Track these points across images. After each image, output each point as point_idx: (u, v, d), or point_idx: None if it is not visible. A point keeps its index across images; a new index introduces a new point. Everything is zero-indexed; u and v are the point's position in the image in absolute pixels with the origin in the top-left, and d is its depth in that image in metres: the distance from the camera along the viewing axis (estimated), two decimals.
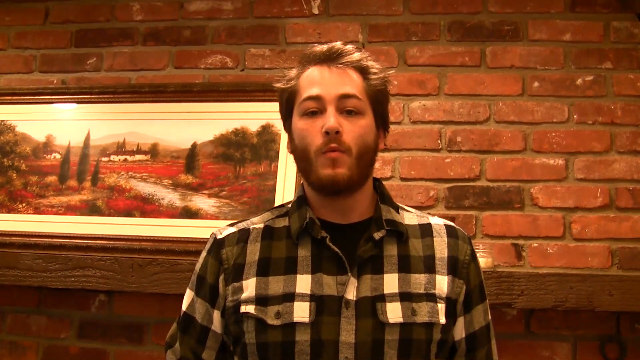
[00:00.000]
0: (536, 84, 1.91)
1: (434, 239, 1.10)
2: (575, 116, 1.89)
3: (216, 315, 1.10)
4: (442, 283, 1.06)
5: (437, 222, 1.14)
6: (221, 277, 1.09)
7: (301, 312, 1.00)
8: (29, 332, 1.94)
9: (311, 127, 1.04)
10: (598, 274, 1.69)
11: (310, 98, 1.05)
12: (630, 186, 1.83)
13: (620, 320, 1.74)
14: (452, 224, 1.15)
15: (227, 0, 2.09)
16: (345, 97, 1.04)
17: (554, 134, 1.88)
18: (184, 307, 1.15)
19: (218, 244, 1.12)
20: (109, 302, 1.93)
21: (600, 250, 1.80)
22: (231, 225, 1.16)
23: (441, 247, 1.09)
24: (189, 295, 1.15)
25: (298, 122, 1.07)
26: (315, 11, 2.04)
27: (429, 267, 1.07)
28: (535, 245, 1.82)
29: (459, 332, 1.10)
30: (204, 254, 1.15)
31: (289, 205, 1.15)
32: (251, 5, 2.08)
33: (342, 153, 1.02)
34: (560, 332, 1.76)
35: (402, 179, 1.90)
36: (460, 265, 1.09)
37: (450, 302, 1.06)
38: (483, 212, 1.86)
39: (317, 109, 1.05)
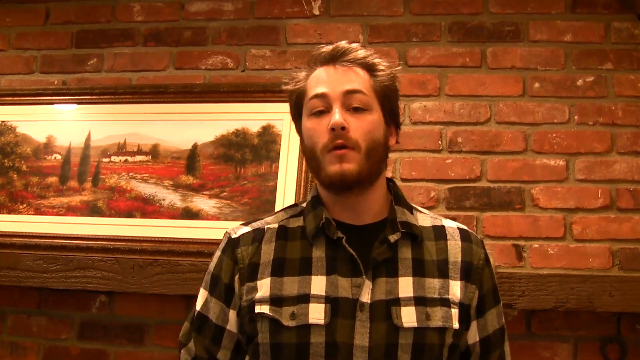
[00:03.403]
0: (537, 84, 1.91)
1: (448, 242, 1.10)
2: (576, 117, 1.89)
3: (232, 315, 1.09)
4: (456, 288, 1.06)
5: (451, 225, 1.14)
6: (236, 277, 1.08)
7: (316, 313, 1.00)
8: (29, 332, 1.94)
9: (318, 126, 1.05)
10: (599, 275, 1.69)
11: (316, 96, 1.06)
12: (630, 187, 1.83)
13: (621, 321, 1.74)
14: (465, 227, 1.15)
15: (228, 1, 2.09)
16: (350, 92, 1.05)
17: (554, 135, 1.88)
18: (197, 307, 1.14)
19: (233, 243, 1.12)
20: (109, 302, 1.93)
21: (601, 251, 1.80)
22: (245, 224, 1.16)
23: (455, 251, 1.09)
24: (202, 295, 1.14)
25: (306, 122, 1.08)
26: (316, 12, 2.04)
27: (443, 271, 1.06)
28: (536, 246, 1.82)
29: (473, 336, 1.09)
30: (218, 253, 1.14)
31: (304, 205, 1.15)
32: (252, 6, 2.08)
33: (349, 149, 1.02)
34: (561, 333, 1.76)
35: (403, 180, 1.90)
36: (474, 271, 1.08)
37: (463, 307, 1.06)
38: (484, 212, 1.86)
39: (323, 107, 1.05)
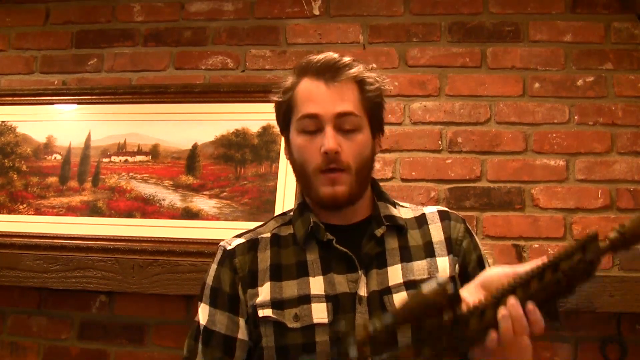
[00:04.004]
0: (537, 84, 1.91)
1: (430, 226, 1.14)
2: (576, 117, 1.88)
3: (242, 323, 1.09)
4: (444, 264, 1.09)
5: (431, 210, 1.17)
6: (239, 285, 1.09)
7: (320, 313, 1.02)
8: (29, 332, 1.94)
9: (310, 145, 1.06)
10: (599, 275, 1.68)
11: (308, 116, 1.06)
12: (631, 187, 1.83)
13: (621, 321, 1.74)
14: (445, 208, 1.18)
15: (228, 1, 2.09)
16: (342, 115, 1.05)
17: (554, 135, 1.88)
18: (202, 322, 1.11)
19: (229, 254, 1.13)
20: (109, 302, 1.93)
21: None
22: (238, 236, 1.17)
23: (437, 232, 1.13)
24: (204, 309, 1.12)
25: (296, 138, 1.08)
26: (316, 12, 2.04)
27: (429, 252, 1.10)
28: (536, 246, 1.82)
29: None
30: (214, 266, 1.14)
31: (292, 213, 1.17)
32: (252, 6, 2.08)
33: (341, 172, 1.04)
34: (561, 333, 1.75)
35: (403, 180, 1.90)
36: (455, 243, 1.12)
37: (454, 281, 1.08)
38: (484, 213, 1.86)
39: (315, 128, 1.05)
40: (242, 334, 1.09)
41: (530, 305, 0.83)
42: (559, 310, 0.89)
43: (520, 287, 0.85)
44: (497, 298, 0.85)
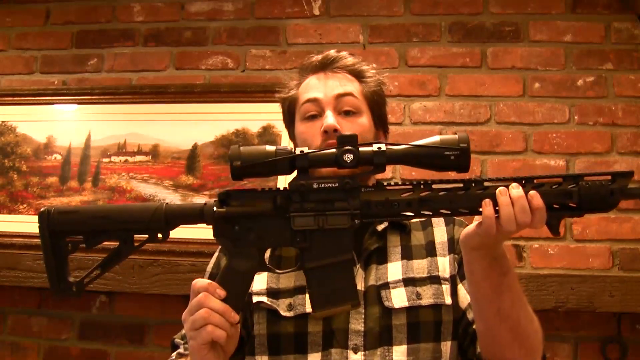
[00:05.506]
0: (537, 84, 1.91)
1: (434, 228, 1.15)
2: (576, 117, 1.89)
3: None
4: (445, 264, 1.09)
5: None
6: None
7: None
8: (30, 333, 1.94)
9: (311, 129, 1.09)
10: (599, 275, 1.69)
11: (308, 101, 1.10)
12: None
13: (621, 321, 1.74)
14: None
15: (228, 1, 2.09)
16: (342, 96, 1.09)
17: (554, 135, 1.88)
18: None
19: None
20: (110, 303, 1.93)
21: (601, 251, 1.80)
22: None
23: (440, 234, 1.14)
24: None
25: (299, 126, 1.12)
26: (316, 12, 2.04)
27: (430, 251, 1.11)
28: (536, 246, 1.82)
29: (463, 298, 1.08)
30: (215, 254, 1.19)
31: None
32: (252, 6, 2.08)
33: None
34: (561, 333, 1.75)
35: (403, 180, 1.90)
36: (456, 242, 1.12)
37: (453, 280, 1.09)
38: None
39: (316, 111, 1.09)
40: None
41: (533, 191, 0.84)
42: (559, 223, 0.89)
43: (531, 182, 0.85)
44: (504, 181, 0.85)
